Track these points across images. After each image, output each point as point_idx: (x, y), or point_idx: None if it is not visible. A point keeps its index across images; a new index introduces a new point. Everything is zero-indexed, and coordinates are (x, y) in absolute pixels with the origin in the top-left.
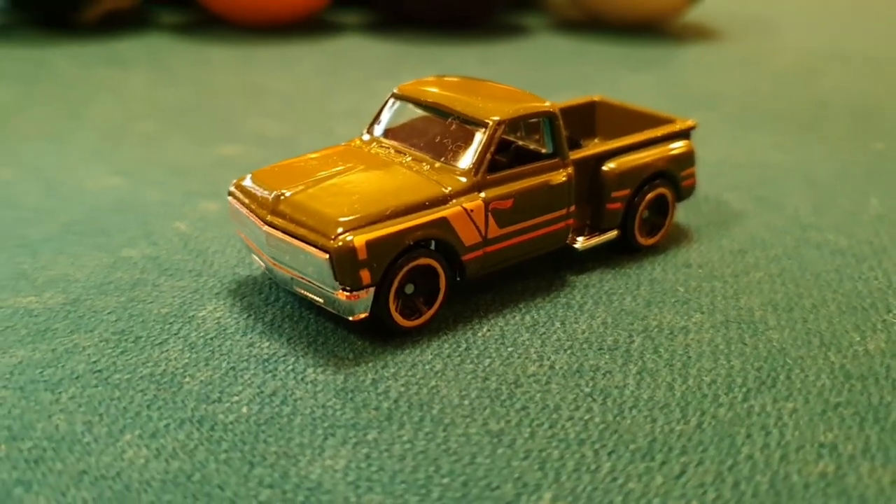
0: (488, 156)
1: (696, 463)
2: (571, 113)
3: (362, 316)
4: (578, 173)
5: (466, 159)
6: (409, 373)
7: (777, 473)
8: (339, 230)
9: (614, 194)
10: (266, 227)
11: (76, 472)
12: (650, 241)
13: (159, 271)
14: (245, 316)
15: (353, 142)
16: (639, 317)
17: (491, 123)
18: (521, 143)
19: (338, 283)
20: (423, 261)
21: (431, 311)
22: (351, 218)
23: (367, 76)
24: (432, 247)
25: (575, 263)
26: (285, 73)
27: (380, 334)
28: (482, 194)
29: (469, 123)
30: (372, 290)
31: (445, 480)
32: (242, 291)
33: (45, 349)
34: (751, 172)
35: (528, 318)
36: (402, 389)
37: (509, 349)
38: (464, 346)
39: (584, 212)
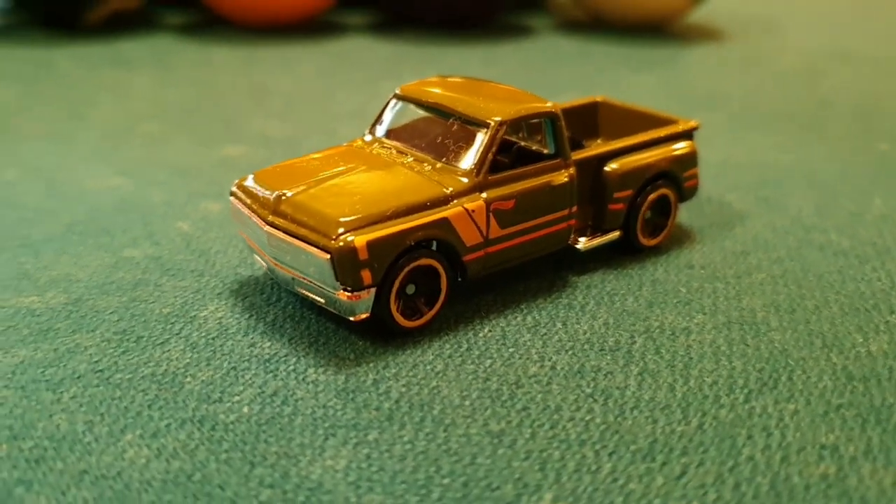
0: (490, 156)
1: (697, 464)
2: (574, 113)
3: (363, 316)
4: (581, 174)
5: (468, 160)
6: (411, 373)
7: (778, 475)
8: (340, 230)
9: (616, 195)
10: (267, 228)
11: (77, 472)
12: (652, 242)
13: (161, 271)
14: (247, 316)
15: (355, 142)
16: (640, 318)
17: (492, 124)
18: (523, 143)
19: (339, 283)
20: (424, 261)
21: (433, 312)
22: (352, 218)
23: (371, 77)
24: (434, 247)
25: (577, 264)
26: (289, 73)
27: (381, 335)
28: (483, 195)
29: (470, 124)
30: (373, 290)
31: (446, 481)
32: (244, 291)
33: (46, 349)
34: (754, 173)
35: (529, 318)
36: (403, 390)
37: (510, 350)
38: (465, 346)
39: (586, 212)
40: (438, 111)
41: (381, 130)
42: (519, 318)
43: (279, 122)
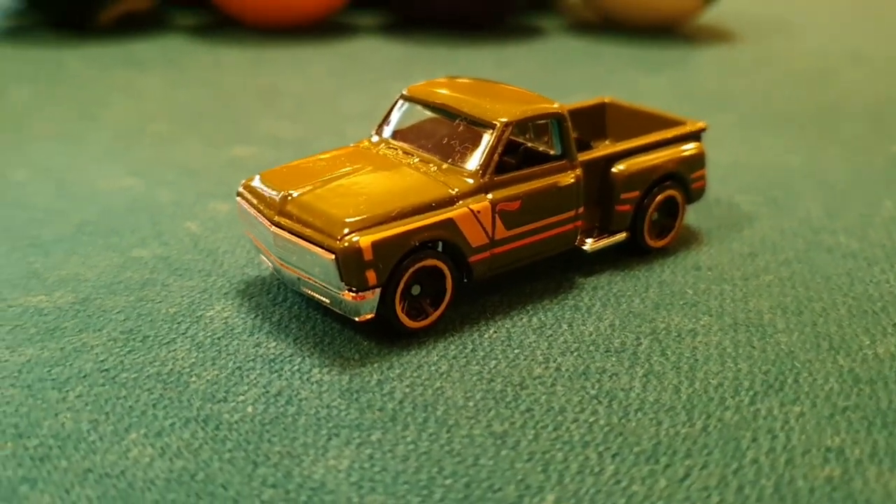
0: (496, 157)
1: (701, 466)
2: (582, 114)
3: (368, 317)
4: (588, 175)
5: (474, 161)
6: (415, 374)
7: (782, 477)
8: (346, 231)
9: (624, 196)
10: (273, 228)
11: (81, 470)
12: (660, 244)
13: (169, 271)
14: (253, 316)
15: (361, 143)
16: (647, 319)
17: (498, 125)
18: (530, 144)
19: (344, 283)
20: (429, 262)
21: (438, 313)
22: (357, 219)
23: (380, 78)
24: (439, 248)
25: (584, 265)
26: (298, 74)
27: (386, 335)
28: (489, 196)
29: (477, 125)
30: (378, 290)
31: (448, 482)
32: (251, 291)
33: (53, 348)
34: (763, 175)
35: (535, 320)
36: (407, 390)
37: (515, 351)
38: (470, 347)
39: (593, 213)
40: (445, 112)
41: (387, 131)
42: (524, 320)
43: (289, 122)
